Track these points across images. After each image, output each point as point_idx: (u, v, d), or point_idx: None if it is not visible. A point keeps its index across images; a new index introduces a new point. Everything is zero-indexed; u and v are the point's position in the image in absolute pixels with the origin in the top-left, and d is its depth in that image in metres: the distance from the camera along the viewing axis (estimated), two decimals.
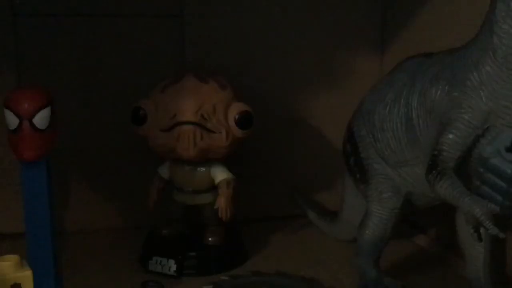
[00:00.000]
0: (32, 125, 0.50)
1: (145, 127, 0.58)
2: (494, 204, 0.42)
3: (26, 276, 0.40)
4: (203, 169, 0.60)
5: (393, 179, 0.53)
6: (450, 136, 0.45)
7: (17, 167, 0.49)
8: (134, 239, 0.64)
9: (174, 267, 0.59)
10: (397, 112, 0.50)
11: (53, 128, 0.49)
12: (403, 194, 0.53)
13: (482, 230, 0.44)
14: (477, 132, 0.44)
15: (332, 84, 0.73)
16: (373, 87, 0.56)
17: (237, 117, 0.58)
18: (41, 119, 0.51)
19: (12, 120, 0.52)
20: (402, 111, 0.50)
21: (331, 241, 0.67)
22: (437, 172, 0.45)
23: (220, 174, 0.60)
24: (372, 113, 0.53)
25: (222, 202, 0.59)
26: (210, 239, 0.61)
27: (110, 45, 0.67)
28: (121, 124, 0.62)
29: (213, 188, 0.60)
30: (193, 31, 0.69)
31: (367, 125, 0.54)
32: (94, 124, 0.68)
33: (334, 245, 0.66)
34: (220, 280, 0.57)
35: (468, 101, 0.44)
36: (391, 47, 0.73)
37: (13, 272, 0.40)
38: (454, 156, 0.45)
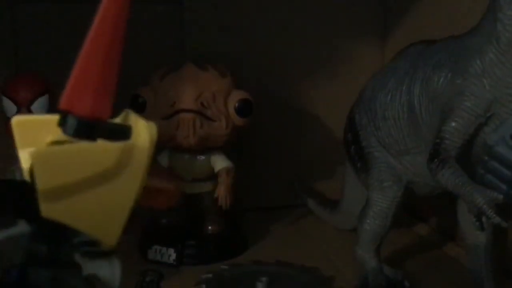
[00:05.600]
0: (30, 112, 0.50)
1: (144, 115, 0.57)
2: (497, 193, 0.41)
3: None
4: (202, 157, 0.60)
5: (394, 168, 0.52)
6: (453, 124, 0.44)
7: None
8: (133, 228, 0.63)
9: (173, 256, 0.59)
10: (399, 100, 0.50)
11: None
12: (404, 183, 0.52)
13: (484, 219, 0.43)
14: (480, 120, 0.44)
15: (333, 72, 0.73)
16: (374, 75, 0.55)
17: (237, 105, 0.57)
18: (39, 106, 0.51)
19: (10, 108, 0.52)
20: (404, 99, 0.49)
21: (332, 230, 0.67)
22: (439, 160, 0.44)
23: (219, 163, 0.59)
24: (373, 101, 0.53)
25: (221, 191, 0.59)
26: (209, 228, 0.61)
27: None
28: (119, 112, 0.61)
29: (213, 176, 0.60)
30: (193, 19, 0.69)
31: (368, 114, 0.53)
32: None
33: (335, 235, 0.66)
34: (220, 269, 0.57)
35: (471, 88, 0.43)
36: (393, 35, 0.73)
37: None
38: (457, 144, 0.44)
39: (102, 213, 0.24)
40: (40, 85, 0.51)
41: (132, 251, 0.61)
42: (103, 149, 0.23)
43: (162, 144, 0.60)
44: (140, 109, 0.57)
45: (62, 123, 0.24)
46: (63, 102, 0.24)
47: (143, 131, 0.24)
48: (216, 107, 0.57)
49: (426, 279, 0.56)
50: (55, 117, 0.24)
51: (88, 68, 0.24)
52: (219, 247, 0.61)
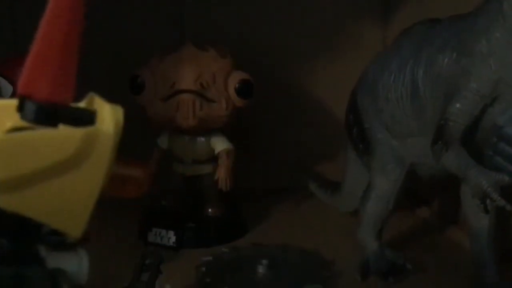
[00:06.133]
0: None
1: (143, 96, 0.57)
2: (503, 175, 0.41)
3: None
4: (202, 139, 0.59)
5: (397, 150, 0.52)
6: (457, 105, 0.43)
7: None
8: (133, 210, 0.63)
9: (173, 239, 0.59)
10: (402, 81, 0.49)
11: None
12: (407, 166, 0.52)
13: (488, 202, 0.43)
14: (486, 101, 0.43)
15: (334, 54, 0.72)
16: (377, 55, 0.54)
17: (237, 86, 0.57)
18: None
19: (6, 88, 0.51)
20: (407, 80, 0.48)
21: (333, 213, 0.67)
22: (443, 143, 0.44)
23: (220, 144, 0.59)
24: (376, 82, 0.52)
25: (222, 173, 0.58)
26: (210, 210, 0.61)
27: (109, 16, 0.66)
28: (119, 94, 0.60)
29: (213, 158, 0.60)
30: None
31: (371, 95, 0.53)
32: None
33: (336, 217, 0.66)
34: (220, 252, 0.57)
35: (476, 69, 0.43)
36: (394, 15, 0.72)
37: None
38: (461, 126, 0.44)
39: (66, 204, 0.22)
40: None
41: (131, 234, 0.61)
42: (65, 136, 0.22)
43: (161, 126, 0.59)
44: (139, 90, 0.57)
45: (20, 109, 0.22)
46: (21, 86, 0.22)
47: (108, 115, 0.23)
48: (216, 88, 0.56)
49: (428, 263, 0.56)
50: (14, 102, 0.23)
51: (46, 49, 0.22)
52: (219, 230, 0.61)
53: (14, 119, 0.23)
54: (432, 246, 0.60)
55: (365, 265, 0.54)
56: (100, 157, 0.22)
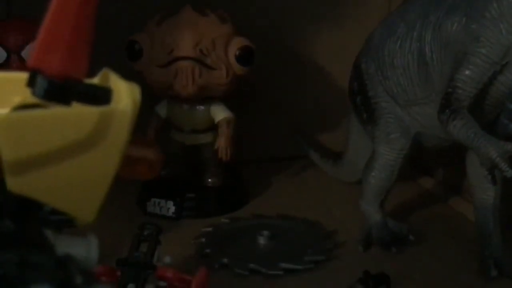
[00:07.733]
0: (20, 58, 0.49)
1: (140, 63, 0.56)
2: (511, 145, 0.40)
3: None
4: (202, 107, 0.58)
5: (402, 119, 0.51)
6: (466, 72, 0.42)
7: None
8: (132, 180, 0.62)
9: (173, 209, 0.58)
10: (409, 47, 0.48)
11: None
12: (412, 135, 0.51)
13: (496, 172, 0.42)
14: (495, 68, 0.42)
15: (338, 18, 0.70)
16: (383, 20, 0.53)
17: (238, 52, 0.55)
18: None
19: (0, 53, 0.50)
20: (414, 45, 0.47)
21: (335, 183, 0.66)
22: (451, 111, 0.43)
23: (220, 113, 0.58)
24: (381, 48, 0.51)
25: (222, 142, 0.57)
26: (209, 180, 0.60)
27: None
28: (114, 59, 0.59)
29: (213, 127, 0.59)
30: None
31: (376, 62, 0.51)
32: None
33: (338, 187, 0.65)
34: (220, 223, 0.56)
35: (486, 34, 0.41)
36: None
37: None
38: (470, 94, 0.43)
39: (78, 187, 0.21)
40: (32, 30, 0.49)
41: (130, 204, 0.60)
42: (79, 115, 0.21)
43: (160, 93, 0.58)
44: (136, 57, 0.56)
45: (31, 84, 0.21)
46: (32, 59, 0.21)
47: (124, 93, 0.22)
48: (216, 54, 0.55)
49: (431, 233, 0.55)
50: (24, 76, 0.22)
51: (59, 20, 0.21)
52: (219, 200, 0.60)
53: (24, 94, 0.22)
54: (435, 217, 0.59)
55: (368, 235, 0.53)
56: (116, 138, 0.21)
